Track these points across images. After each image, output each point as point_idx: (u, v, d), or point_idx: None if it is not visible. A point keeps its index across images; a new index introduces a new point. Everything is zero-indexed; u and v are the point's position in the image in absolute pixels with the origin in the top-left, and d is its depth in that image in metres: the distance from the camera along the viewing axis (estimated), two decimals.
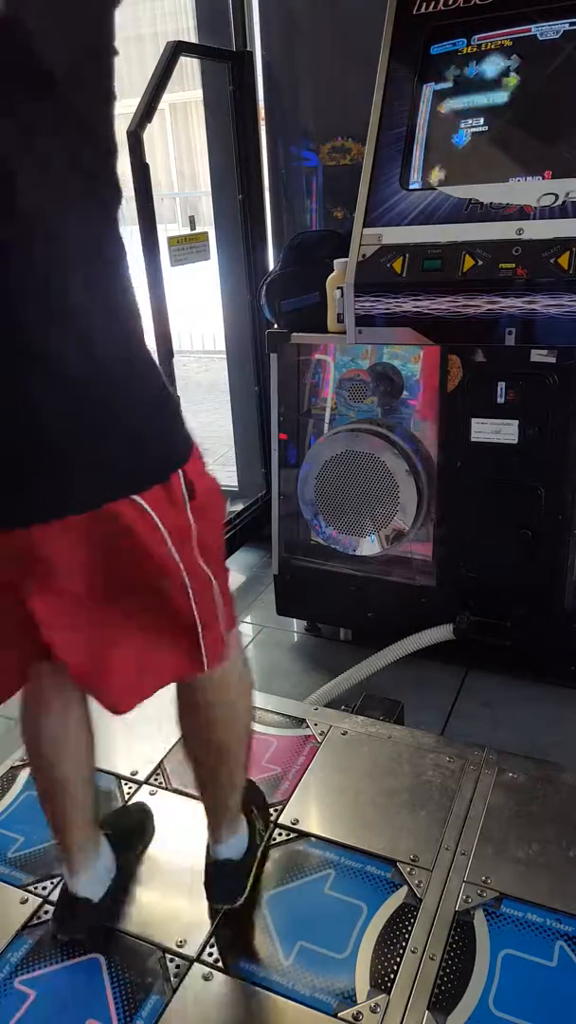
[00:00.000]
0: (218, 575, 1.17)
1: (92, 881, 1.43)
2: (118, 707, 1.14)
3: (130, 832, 1.61)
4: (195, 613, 1.11)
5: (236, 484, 3.22)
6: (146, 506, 1.00)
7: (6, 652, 1.14)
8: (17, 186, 0.85)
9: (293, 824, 1.64)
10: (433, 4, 1.88)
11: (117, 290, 0.99)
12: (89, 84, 0.90)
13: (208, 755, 1.37)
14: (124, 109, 1.00)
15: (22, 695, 1.29)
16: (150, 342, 1.10)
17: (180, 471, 1.04)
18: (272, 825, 1.65)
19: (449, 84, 1.88)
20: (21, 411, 0.93)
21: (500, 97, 1.82)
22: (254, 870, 1.51)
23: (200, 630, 1.13)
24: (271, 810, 1.68)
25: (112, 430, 0.97)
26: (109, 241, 0.97)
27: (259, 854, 1.54)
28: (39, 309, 0.90)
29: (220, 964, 1.38)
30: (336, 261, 2.02)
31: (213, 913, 1.46)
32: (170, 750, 1.85)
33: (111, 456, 0.98)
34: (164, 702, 1.24)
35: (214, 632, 1.17)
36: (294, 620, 2.64)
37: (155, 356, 1.08)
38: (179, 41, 2.30)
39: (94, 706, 1.28)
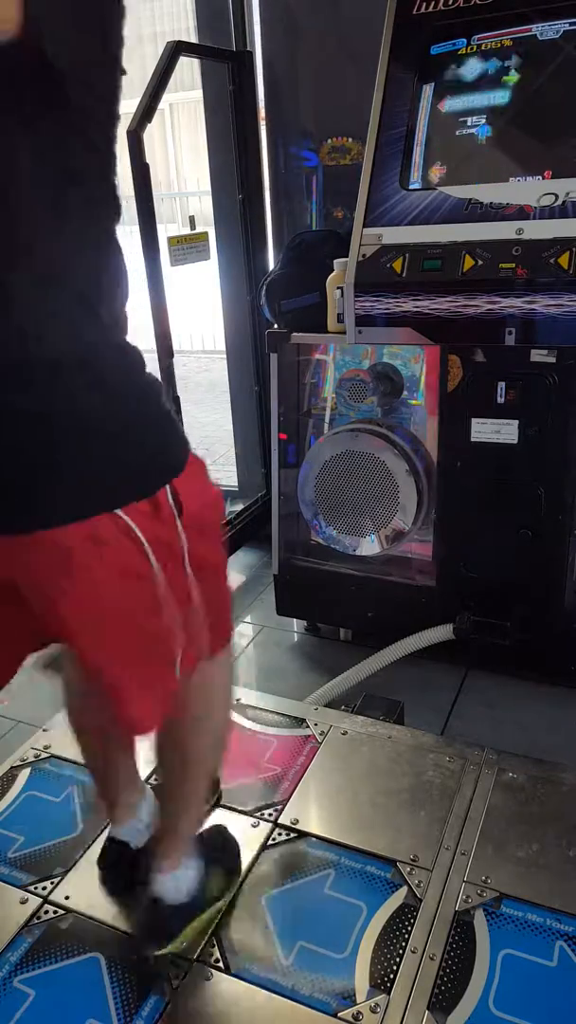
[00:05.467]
0: (215, 593, 1.15)
1: (131, 830, 1.53)
2: (140, 725, 1.15)
3: None
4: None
5: (236, 484, 3.22)
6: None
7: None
8: (10, 194, 0.84)
9: (293, 824, 1.64)
10: (433, 4, 1.88)
11: (105, 303, 0.96)
12: (96, 96, 0.89)
13: (175, 761, 1.34)
14: (124, 109, 0.99)
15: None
16: (150, 343, 1.08)
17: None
18: (273, 825, 1.64)
19: (449, 84, 1.88)
20: None
21: (500, 97, 1.82)
22: (186, 931, 1.37)
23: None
24: (269, 811, 1.68)
25: (76, 449, 0.93)
26: (105, 259, 0.96)
27: (204, 915, 1.41)
28: (23, 310, 0.88)
29: (220, 964, 1.38)
30: (336, 261, 2.02)
31: (213, 913, 1.45)
32: None
33: (70, 474, 0.93)
34: None
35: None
36: (294, 620, 2.63)
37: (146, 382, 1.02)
38: (179, 41, 2.30)
39: None
